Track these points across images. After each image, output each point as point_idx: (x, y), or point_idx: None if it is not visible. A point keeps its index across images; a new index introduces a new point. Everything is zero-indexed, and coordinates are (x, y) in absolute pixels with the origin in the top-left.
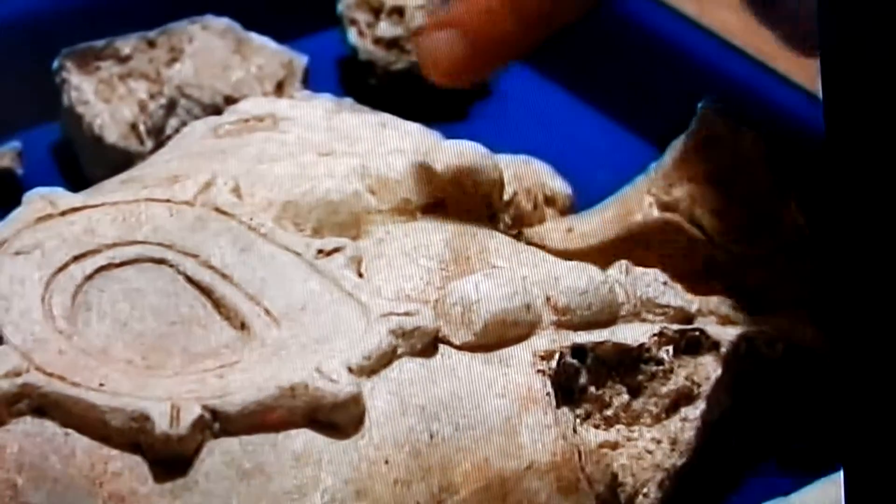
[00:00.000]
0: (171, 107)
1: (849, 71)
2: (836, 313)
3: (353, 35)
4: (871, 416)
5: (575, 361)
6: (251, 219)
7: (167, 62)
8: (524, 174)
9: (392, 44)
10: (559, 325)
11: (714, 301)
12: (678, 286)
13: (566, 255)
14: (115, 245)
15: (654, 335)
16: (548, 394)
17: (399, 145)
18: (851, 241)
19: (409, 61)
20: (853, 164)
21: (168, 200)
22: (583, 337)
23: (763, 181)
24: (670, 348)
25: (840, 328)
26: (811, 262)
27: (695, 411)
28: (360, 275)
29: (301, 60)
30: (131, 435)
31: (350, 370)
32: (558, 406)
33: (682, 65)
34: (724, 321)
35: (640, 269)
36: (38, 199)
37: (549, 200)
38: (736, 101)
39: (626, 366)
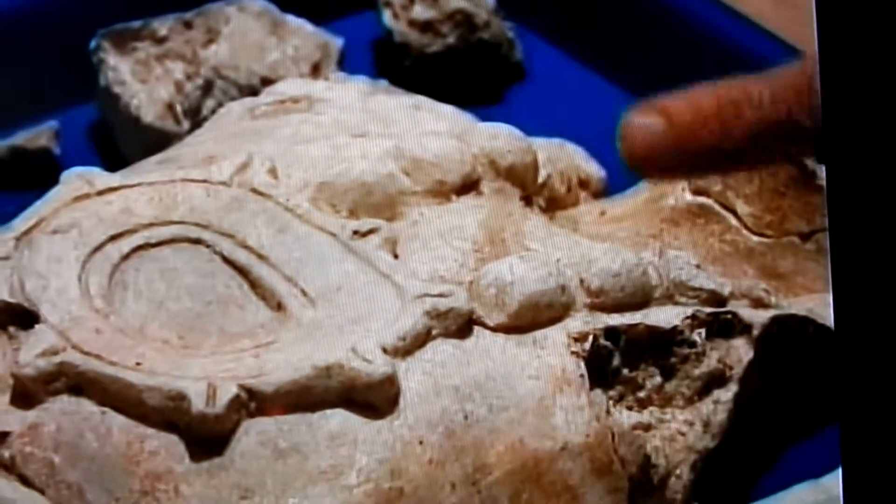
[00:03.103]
0: (207, 88)
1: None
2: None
3: (388, 17)
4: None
5: (608, 343)
6: (287, 199)
7: (203, 43)
8: (558, 157)
9: (427, 26)
10: (593, 308)
11: (746, 284)
12: (710, 269)
13: (599, 237)
14: (151, 225)
15: (687, 318)
16: (581, 375)
17: (433, 127)
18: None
19: (443, 44)
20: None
21: (205, 181)
22: (616, 319)
23: (795, 166)
24: (703, 331)
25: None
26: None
27: (727, 393)
28: (395, 256)
29: (336, 42)
30: (168, 414)
31: (385, 351)
32: (592, 388)
33: (718, 51)
34: (756, 304)
35: (673, 252)
36: (76, 179)
37: (583, 183)
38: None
39: (658, 348)
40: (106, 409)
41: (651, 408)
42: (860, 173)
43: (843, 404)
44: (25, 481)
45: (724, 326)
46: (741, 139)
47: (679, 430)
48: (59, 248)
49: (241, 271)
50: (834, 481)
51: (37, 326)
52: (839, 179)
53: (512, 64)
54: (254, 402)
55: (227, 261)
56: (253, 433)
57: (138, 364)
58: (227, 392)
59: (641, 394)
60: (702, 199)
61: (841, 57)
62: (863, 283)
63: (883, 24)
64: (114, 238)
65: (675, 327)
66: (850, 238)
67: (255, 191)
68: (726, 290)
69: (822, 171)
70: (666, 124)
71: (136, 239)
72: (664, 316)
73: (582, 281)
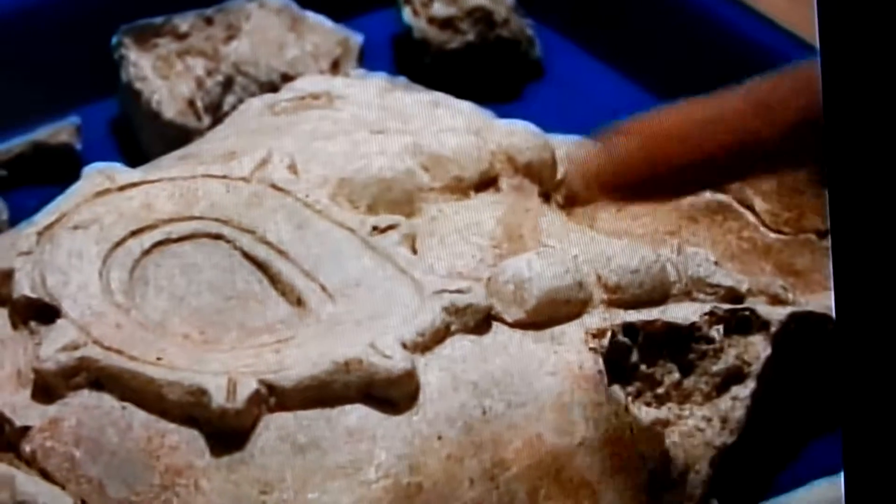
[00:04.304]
0: (227, 84)
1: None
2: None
3: (407, 14)
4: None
5: (626, 340)
6: (307, 195)
7: (224, 40)
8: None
9: (446, 23)
10: (610, 304)
11: (764, 281)
12: (728, 266)
13: (617, 234)
14: (172, 220)
15: (705, 314)
16: (599, 371)
17: (452, 124)
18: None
19: (462, 41)
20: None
21: (224, 177)
22: (634, 315)
23: (812, 164)
24: (721, 327)
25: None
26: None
27: (745, 390)
28: (414, 252)
29: (356, 39)
30: (188, 409)
31: (404, 346)
32: (610, 384)
33: (734, 48)
34: (774, 301)
35: (691, 249)
36: (97, 175)
37: None
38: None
39: (676, 344)
40: (126, 403)
41: (669, 404)
42: (862, 171)
43: (844, 404)
44: (46, 475)
45: (741, 323)
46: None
47: (697, 426)
48: (81, 243)
49: (261, 267)
50: None
51: (58, 321)
52: (841, 178)
53: (530, 61)
54: (273, 397)
55: (247, 256)
56: (272, 428)
57: (159, 359)
58: (246, 387)
59: (660, 390)
60: (720, 196)
61: (843, 56)
62: (864, 282)
63: (885, 23)
64: (135, 233)
65: (693, 324)
66: (851, 237)
67: (274, 186)
68: (744, 287)
69: None
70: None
71: (157, 234)
72: (682, 312)
73: (600, 277)
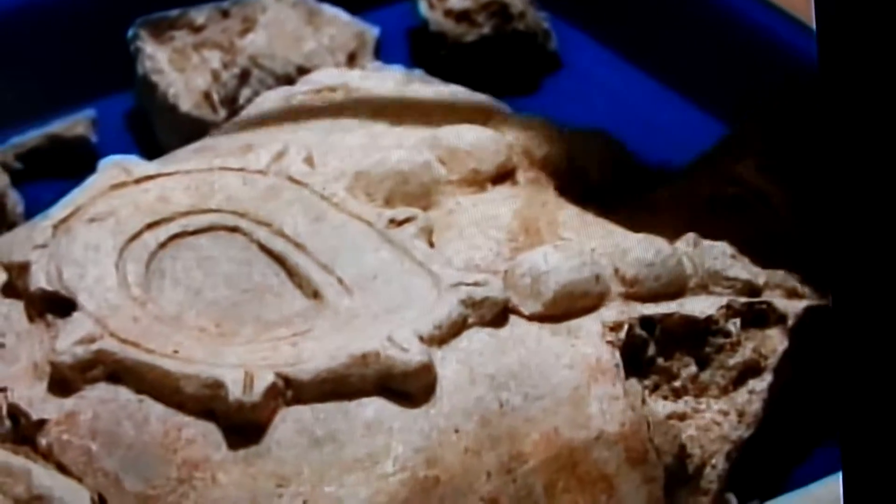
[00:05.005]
0: (244, 76)
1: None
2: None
3: (423, 7)
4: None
5: (643, 333)
6: (323, 188)
7: (240, 32)
8: (593, 147)
9: (462, 16)
10: (627, 297)
11: (781, 274)
12: (745, 259)
13: (634, 227)
14: (188, 213)
15: (722, 307)
16: (616, 365)
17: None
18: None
19: (478, 34)
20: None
21: (241, 169)
22: (651, 309)
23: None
24: (738, 321)
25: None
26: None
27: (762, 383)
28: (431, 245)
29: (372, 32)
30: (205, 402)
31: (421, 339)
32: (627, 377)
33: (751, 42)
34: (791, 294)
35: (707, 242)
36: (113, 167)
37: (618, 173)
38: (804, 78)
39: (693, 338)
40: (143, 396)
41: (686, 397)
42: (861, 168)
43: (842, 404)
44: (63, 469)
45: (758, 316)
46: None
47: (714, 419)
48: (97, 236)
49: (278, 260)
50: None
51: (74, 314)
52: (840, 174)
53: (547, 54)
54: (290, 391)
55: (263, 249)
56: (289, 421)
57: (175, 352)
58: (263, 380)
59: (676, 383)
60: (737, 189)
61: (841, 54)
62: (863, 281)
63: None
64: (151, 226)
65: (709, 317)
66: (851, 235)
67: (291, 179)
68: (761, 280)
69: None
70: None
71: (173, 227)
72: (699, 305)
73: (616, 270)
